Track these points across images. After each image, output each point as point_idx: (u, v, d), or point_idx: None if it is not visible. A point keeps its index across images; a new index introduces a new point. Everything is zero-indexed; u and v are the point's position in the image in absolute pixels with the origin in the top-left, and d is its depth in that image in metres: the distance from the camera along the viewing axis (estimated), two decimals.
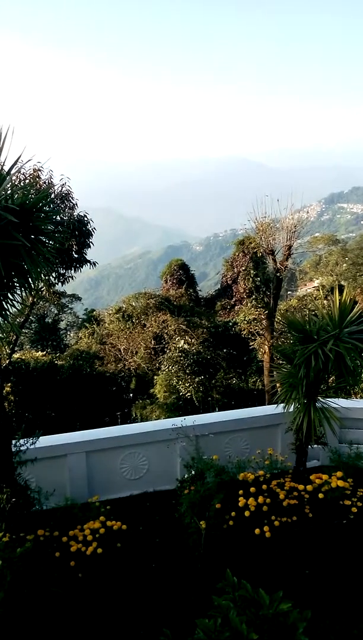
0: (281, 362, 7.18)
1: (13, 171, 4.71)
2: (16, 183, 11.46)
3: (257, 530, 5.38)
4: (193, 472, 5.85)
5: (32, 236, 4.59)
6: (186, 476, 6.01)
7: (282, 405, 6.23)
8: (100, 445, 6.72)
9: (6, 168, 4.65)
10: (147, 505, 6.66)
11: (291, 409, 6.16)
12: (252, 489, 5.75)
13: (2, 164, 4.36)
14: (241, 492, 5.73)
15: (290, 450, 6.43)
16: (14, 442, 5.17)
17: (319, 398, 6.05)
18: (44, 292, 17.65)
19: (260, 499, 5.57)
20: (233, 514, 5.52)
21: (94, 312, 27.71)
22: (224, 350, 19.88)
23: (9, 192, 4.57)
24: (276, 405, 6.40)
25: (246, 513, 5.49)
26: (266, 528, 5.37)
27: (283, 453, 6.86)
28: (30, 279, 4.82)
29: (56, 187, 15.14)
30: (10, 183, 4.52)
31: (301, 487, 5.85)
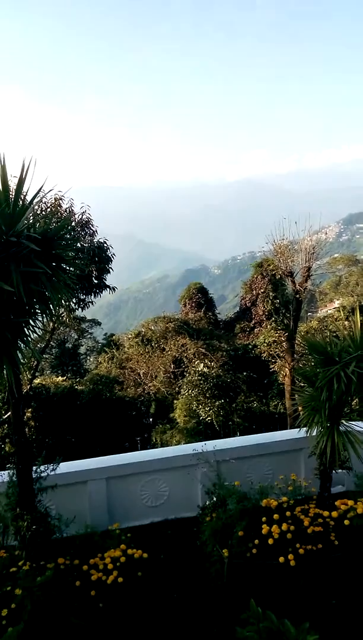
0: (302, 385, 7.09)
1: (35, 201, 4.84)
2: (38, 212, 11.77)
3: (281, 559, 5.23)
4: (214, 499, 5.75)
5: (54, 263, 4.68)
6: (207, 503, 5.91)
7: (305, 429, 6.12)
8: (120, 472, 6.67)
9: (29, 197, 4.78)
10: (168, 533, 6.55)
11: (314, 433, 6.04)
12: (275, 516, 5.61)
13: (24, 194, 4.47)
14: (264, 519, 5.59)
15: (313, 476, 6.29)
16: (34, 468, 5.16)
17: (343, 421, 5.93)
18: (64, 318, 17.86)
19: (284, 526, 5.43)
20: (256, 541, 5.38)
21: (114, 337, 27.91)
22: (245, 374, 19.72)
23: (31, 221, 4.69)
24: (298, 429, 6.29)
25: (270, 541, 5.35)
26: (290, 556, 5.22)
27: (307, 478, 6.71)
28: (51, 305, 4.89)
29: (76, 215, 15.46)
30: (32, 212, 4.64)
31: (326, 513, 5.69)
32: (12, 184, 4.63)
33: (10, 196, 4.47)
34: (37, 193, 4.58)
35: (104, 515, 6.50)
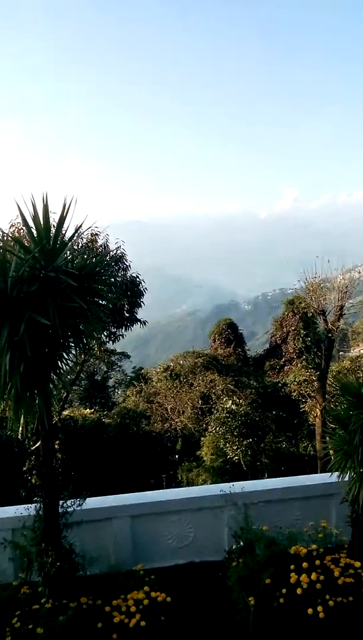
0: (334, 427, 6.92)
1: (74, 238, 5.03)
2: (76, 247, 12.15)
3: (310, 610, 4.98)
4: (241, 543, 5.59)
5: (89, 298, 4.80)
6: (234, 547, 5.74)
7: (336, 474, 5.93)
8: (145, 510, 6.56)
9: (67, 233, 4.96)
10: (192, 576, 6.35)
11: (346, 479, 5.84)
12: (304, 565, 5.38)
13: (64, 231, 4.65)
14: (292, 567, 5.37)
15: (345, 523, 6.04)
16: (60, 502, 5.15)
17: None
18: (95, 351, 18.06)
19: (313, 576, 5.20)
20: (284, 590, 5.16)
21: (142, 370, 27.96)
22: (274, 412, 19.35)
23: (69, 257, 4.85)
24: (329, 473, 6.09)
25: (298, 590, 5.12)
26: (319, 608, 4.97)
27: (338, 526, 6.44)
28: (84, 339, 4.99)
29: (111, 250, 15.84)
30: (70, 248, 4.81)
31: (358, 564, 5.42)
32: (52, 220, 4.84)
33: (51, 233, 4.66)
34: (76, 231, 4.75)
35: (128, 554, 6.37)
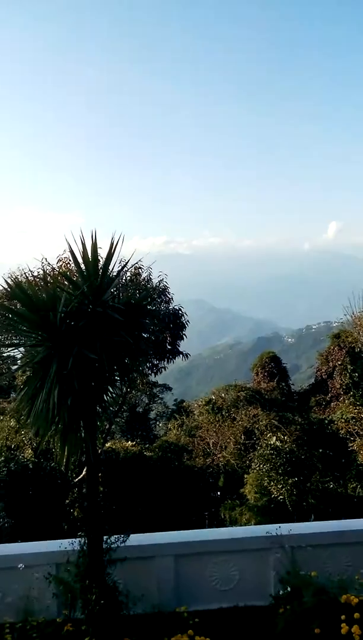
0: None
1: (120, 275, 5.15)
2: (121, 281, 12.43)
3: None
4: (288, 589, 5.35)
5: (135, 332, 4.88)
6: (280, 592, 5.49)
7: None
8: (190, 550, 6.40)
9: (114, 268, 5.09)
10: (237, 621, 6.09)
11: None
12: (356, 615, 5.06)
13: (112, 268, 4.79)
14: (343, 617, 5.07)
15: None
16: (104, 538, 5.10)
17: None
18: (138, 383, 18.17)
19: None
20: None
21: (184, 403, 27.77)
22: (320, 450, 18.67)
23: (115, 292, 4.97)
24: None
25: None
26: None
27: None
28: (129, 372, 5.04)
29: (154, 283, 16.09)
30: (117, 284, 4.93)
31: None
32: (99, 256, 5.00)
33: (99, 269, 4.81)
34: (123, 268, 4.88)
35: (170, 594, 6.20)
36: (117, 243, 4.85)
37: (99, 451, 15.98)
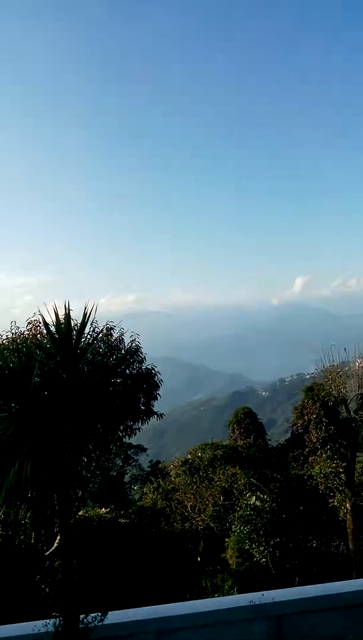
0: None
1: (88, 332, 5.17)
2: (92, 342, 12.37)
3: None
4: None
5: (108, 397, 4.85)
6: None
7: None
8: (170, 625, 6.06)
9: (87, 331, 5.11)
10: None
11: None
12: None
13: (86, 336, 4.81)
14: None
15: None
16: (81, 617, 4.80)
17: None
18: (111, 447, 17.69)
19: None
20: None
21: (160, 464, 27.10)
22: (301, 508, 18.28)
23: (89, 357, 4.97)
24: None
25: None
26: None
27: None
28: (104, 440, 4.96)
29: (126, 344, 16.06)
30: (91, 352, 4.94)
31: None
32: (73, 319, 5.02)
33: (73, 336, 4.82)
34: (98, 334, 4.92)
35: None
36: (90, 312, 4.90)
37: (72, 521, 15.27)
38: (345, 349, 13.97)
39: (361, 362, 14.45)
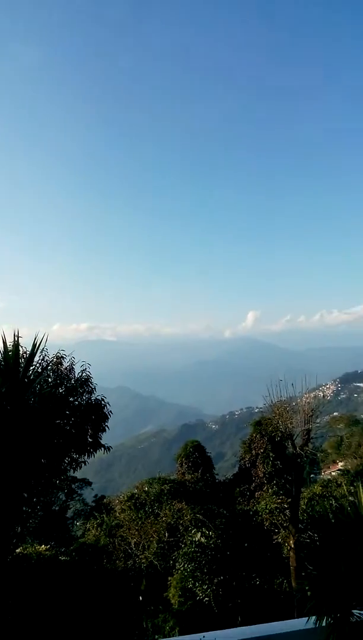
0: (309, 566, 6.56)
1: (37, 361, 5.08)
2: (40, 371, 12.09)
3: None
4: None
5: (53, 430, 4.75)
6: None
7: (313, 618, 5.49)
8: None
9: (36, 360, 5.02)
10: None
11: (324, 624, 5.42)
12: None
13: (34, 365, 4.73)
14: None
15: None
16: None
17: (353, 612, 5.36)
18: (55, 481, 17.11)
19: None
20: None
21: (105, 499, 26.35)
22: (246, 545, 18.18)
23: (37, 387, 4.88)
24: (307, 618, 5.65)
25: None
26: None
27: None
28: (46, 473, 4.83)
29: (76, 373, 15.78)
30: (40, 382, 4.85)
31: None
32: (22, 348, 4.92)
33: (20, 366, 4.72)
34: (47, 366, 4.85)
35: None
36: (41, 340, 4.84)
37: (8, 558, 14.56)
38: (292, 384, 14.28)
39: (307, 398, 14.80)
